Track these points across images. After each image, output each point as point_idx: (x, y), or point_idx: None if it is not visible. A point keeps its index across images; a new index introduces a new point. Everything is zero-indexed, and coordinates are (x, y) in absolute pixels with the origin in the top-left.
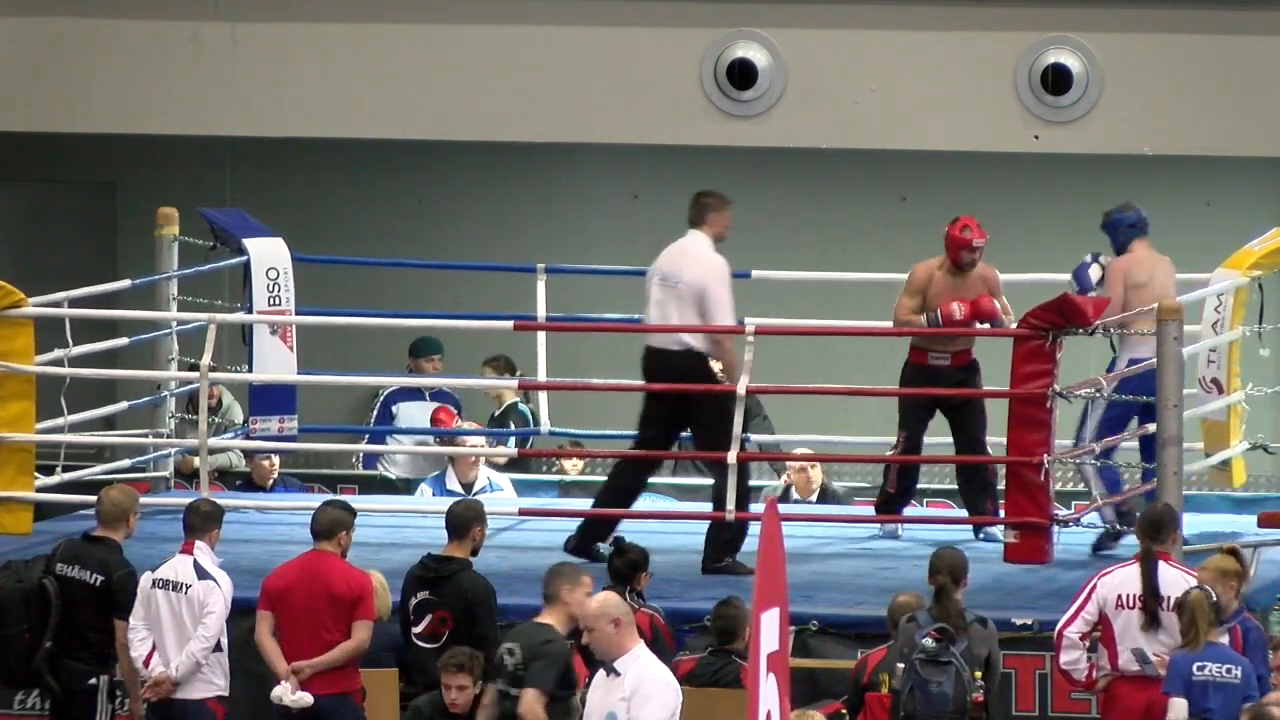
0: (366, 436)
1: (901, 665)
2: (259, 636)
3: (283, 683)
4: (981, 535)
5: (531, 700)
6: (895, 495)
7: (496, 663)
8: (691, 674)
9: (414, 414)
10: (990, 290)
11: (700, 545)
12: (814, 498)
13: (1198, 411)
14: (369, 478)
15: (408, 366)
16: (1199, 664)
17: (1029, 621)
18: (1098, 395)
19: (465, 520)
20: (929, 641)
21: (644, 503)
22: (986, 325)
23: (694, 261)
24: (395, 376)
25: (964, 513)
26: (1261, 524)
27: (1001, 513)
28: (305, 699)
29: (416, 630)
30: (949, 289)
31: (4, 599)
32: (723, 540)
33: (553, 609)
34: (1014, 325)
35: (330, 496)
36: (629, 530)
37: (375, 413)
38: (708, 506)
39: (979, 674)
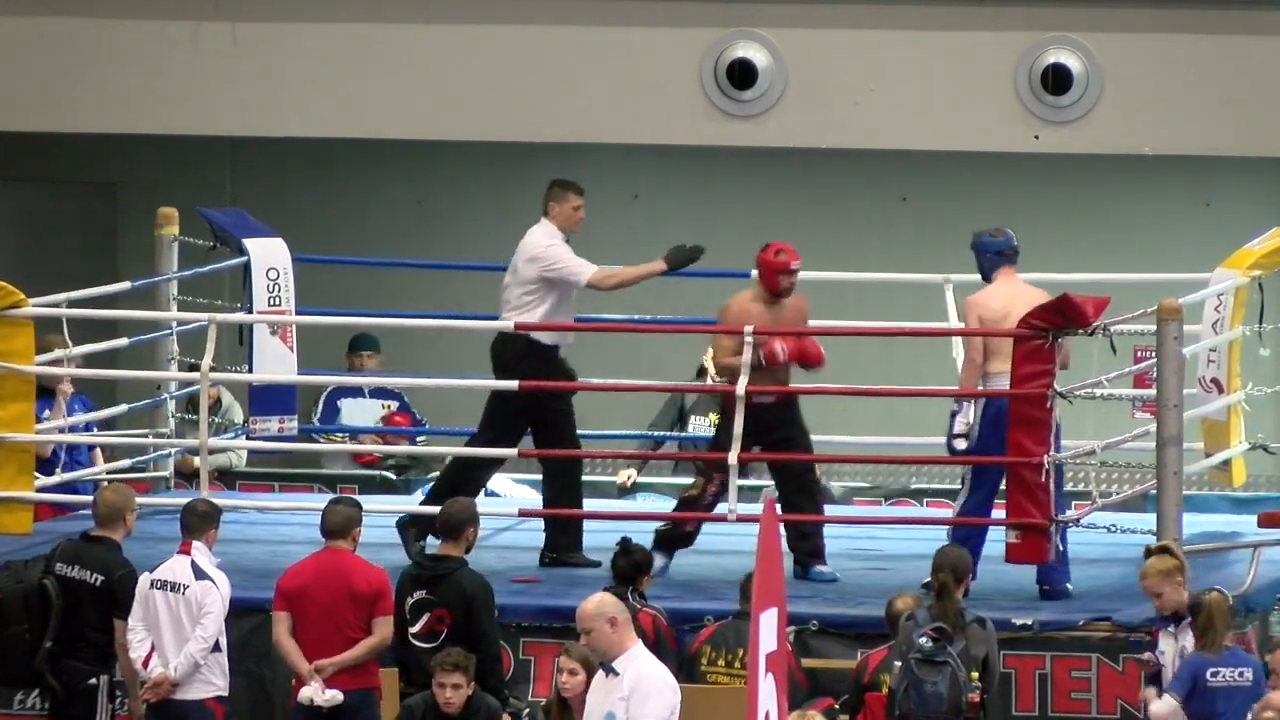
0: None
1: (898, 664)
2: (277, 637)
3: (312, 683)
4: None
5: None
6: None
7: None
8: (711, 639)
9: (357, 410)
10: (804, 319)
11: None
12: None
13: (1198, 412)
14: (369, 478)
15: (348, 363)
16: (1213, 670)
17: (1029, 622)
18: (1097, 396)
19: (459, 522)
20: (925, 641)
21: (644, 503)
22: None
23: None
24: (394, 376)
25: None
26: (1261, 524)
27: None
28: (336, 697)
29: (414, 630)
30: (768, 321)
31: (4, 599)
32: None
33: None
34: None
35: (334, 495)
36: (630, 531)
37: (321, 408)
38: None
39: (975, 674)
